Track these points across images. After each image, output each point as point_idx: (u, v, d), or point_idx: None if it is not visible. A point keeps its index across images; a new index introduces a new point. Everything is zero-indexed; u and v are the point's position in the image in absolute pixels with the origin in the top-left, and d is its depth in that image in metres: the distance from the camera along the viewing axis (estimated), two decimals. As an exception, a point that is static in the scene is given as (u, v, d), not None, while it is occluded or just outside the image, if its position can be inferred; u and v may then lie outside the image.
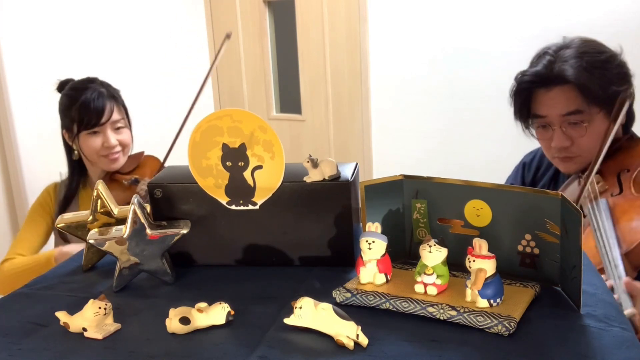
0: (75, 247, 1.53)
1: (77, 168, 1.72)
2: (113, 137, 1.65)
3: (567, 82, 1.27)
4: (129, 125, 1.72)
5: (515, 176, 1.54)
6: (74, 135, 1.65)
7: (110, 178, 1.70)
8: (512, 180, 1.54)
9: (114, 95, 1.67)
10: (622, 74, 1.29)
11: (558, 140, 1.31)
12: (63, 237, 1.67)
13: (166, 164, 1.73)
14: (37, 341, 0.74)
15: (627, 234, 1.15)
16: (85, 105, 1.61)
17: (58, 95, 1.69)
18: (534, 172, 1.50)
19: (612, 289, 1.04)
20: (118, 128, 1.67)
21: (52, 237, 1.74)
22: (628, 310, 1.00)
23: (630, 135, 1.37)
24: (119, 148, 1.67)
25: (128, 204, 0.89)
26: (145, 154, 1.80)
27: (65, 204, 1.68)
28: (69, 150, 1.72)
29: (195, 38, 3.64)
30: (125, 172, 1.73)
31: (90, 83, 1.66)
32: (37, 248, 1.68)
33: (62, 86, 1.70)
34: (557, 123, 1.30)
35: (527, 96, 1.34)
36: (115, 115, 1.65)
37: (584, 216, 1.24)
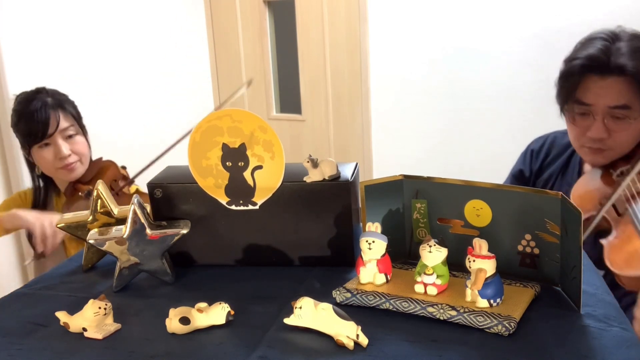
0: (29, 216, 1.52)
1: (42, 181, 1.69)
2: (65, 147, 1.61)
3: (624, 74, 1.23)
4: (82, 132, 1.67)
5: (523, 162, 1.50)
6: (27, 150, 1.62)
7: (73, 187, 1.67)
8: (521, 166, 1.50)
9: (60, 104, 1.62)
10: None
11: (596, 131, 1.26)
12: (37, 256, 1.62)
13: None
14: (37, 341, 0.74)
15: None
16: (29, 117, 1.58)
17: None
18: (542, 160, 1.47)
19: None
20: (70, 136, 1.62)
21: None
22: None
23: None
24: (74, 157, 1.63)
25: None
26: (104, 158, 1.75)
27: None
28: (30, 165, 1.69)
29: (195, 38, 3.64)
30: (86, 180, 1.69)
31: (36, 94, 1.62)
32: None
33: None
34: (601, 113, 1.26)
35: (577, 80, 1.28)
36: (63, 124, 1.60)
37: (620, 215, 1.19)
